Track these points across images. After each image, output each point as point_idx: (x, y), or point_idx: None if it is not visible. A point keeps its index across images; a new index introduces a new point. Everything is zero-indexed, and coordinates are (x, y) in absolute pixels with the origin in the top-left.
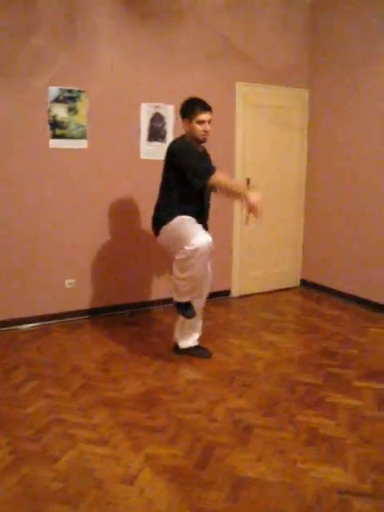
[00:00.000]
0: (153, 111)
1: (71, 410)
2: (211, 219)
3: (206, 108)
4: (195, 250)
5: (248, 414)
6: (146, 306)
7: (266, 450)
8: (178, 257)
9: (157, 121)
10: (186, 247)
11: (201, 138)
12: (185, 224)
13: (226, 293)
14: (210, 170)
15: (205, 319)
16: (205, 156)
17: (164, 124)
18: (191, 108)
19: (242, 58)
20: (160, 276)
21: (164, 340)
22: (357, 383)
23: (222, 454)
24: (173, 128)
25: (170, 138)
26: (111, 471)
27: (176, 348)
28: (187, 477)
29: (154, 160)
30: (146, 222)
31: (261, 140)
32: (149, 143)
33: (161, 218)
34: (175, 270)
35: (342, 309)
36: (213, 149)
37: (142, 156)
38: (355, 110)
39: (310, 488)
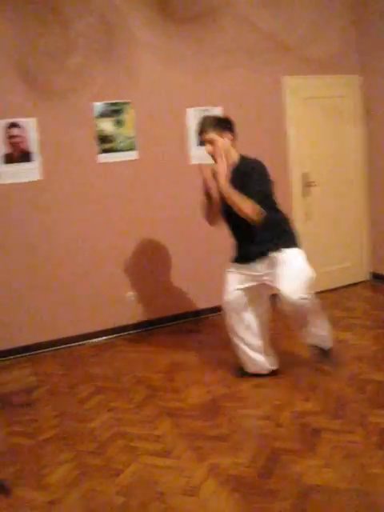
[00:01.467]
0: (200, 115)
1: (134, 423)
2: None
3: (201, 130)
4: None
5: (315, 417)
6: (206, 312)
7: (335, 455)
8: None
9: None
10: None
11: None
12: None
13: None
14: None
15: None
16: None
17: None
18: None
19: (285, 51)
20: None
21: (228, 346)
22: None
23: (287, 461)
24: None
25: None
26: (174, 483)
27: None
28: (251, 486)
29: (205, 165)
30: (201, 227)
31: (314, 133)
32: (199, 148)
33: None
34: None
35: None
36: (265, 146)
37: (193, 161)
38: None
39: (382, 494)
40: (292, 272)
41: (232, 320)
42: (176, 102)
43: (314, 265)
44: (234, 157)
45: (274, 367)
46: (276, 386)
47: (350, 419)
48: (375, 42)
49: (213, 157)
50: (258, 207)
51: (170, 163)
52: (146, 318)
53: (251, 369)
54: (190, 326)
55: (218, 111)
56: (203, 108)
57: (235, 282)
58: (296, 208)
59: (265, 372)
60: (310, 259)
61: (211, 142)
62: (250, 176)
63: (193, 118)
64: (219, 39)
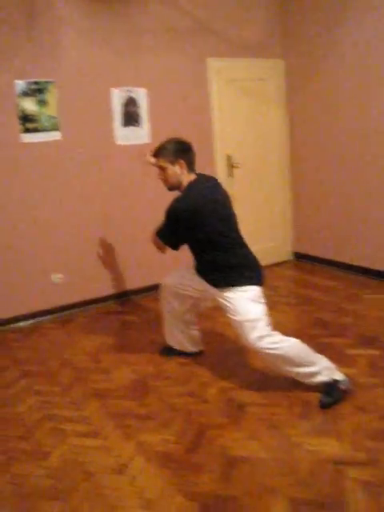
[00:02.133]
0: (125, 96)
1: (62, 405)
2: None
3: (154, 154)
4: None
5: (241, 392)
6: (131, 294)
7: (259, 427)
8: None
9: (130, 105)
10: None
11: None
12: None
13: None
14: None
15: None
16: None
17: (138, 108)
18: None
19: (210, 33)
20: (145, 263)
21: (155, 327)
22: (350, 351)
23: (214, 436)
24: (147, 112)
25: (145, 122)
26: (102, 462)
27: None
28: (179, 461)
29: (130, 145)
30: (129, 208)
31: (239, 115)
32: (124, 128)
33: None
34: None
35: (336, 278)
36: (190, 128)
37: (119, 141)
38: (332, 75)
39: (304, 461)
40: (239, 319)
41: (166, 300)
42: (101, 82)
43: None
44: (183, 184)
45: (201, 348)
46: (202, 365)
47: (274, 393)
48: (298, 27)
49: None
50: (157, 242)
51: (95, 143)
52: (72, 301)
53: (177, 346)
54: (116, 307)
55: (142, 92)
56: (128, 88)
57: (186, 275)
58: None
59: (191, 351)
60: None
61: (162, 169)
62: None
63: (118, 98)
64: (145, 19)
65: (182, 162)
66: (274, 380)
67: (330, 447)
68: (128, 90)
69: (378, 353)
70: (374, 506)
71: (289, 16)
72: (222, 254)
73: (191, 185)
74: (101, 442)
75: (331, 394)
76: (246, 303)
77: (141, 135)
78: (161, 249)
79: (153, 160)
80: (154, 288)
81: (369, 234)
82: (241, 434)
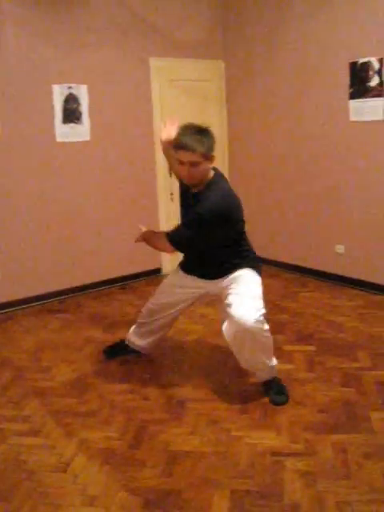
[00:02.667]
0: (66, 92)
1: (1, 404)
2: (136, 194)
3: (183, 146)
4: None
5: (181, 388)
6: (70, 292)
7: (200, 423)
8: None
9: (71, 102)
10: None
11: (184, 181)
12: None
13: (157, 271)
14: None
15: (138, 299)
16: (188, 201)
17: (78, 105)
18: (176, 140)
19: (153, 32)
20: (84, 262)
21: (94, 325)
22: (288, 347)
23: (155, 432)
24: (88, 109)
25: (85, 119)
26: (44, 461)
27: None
28: (121, 457)
29: (70, 142)
30: (68, 204)
31: (179, 115)
32: (64, 125)
33: None
34: None
35: (273, 277)
36: (131, 126)
37: (58, 139)
38: (271, 78)
39: (244, 454)
40: (247, 295)
41: (153, 310)
42: (42, 78)
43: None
44: (205, 179)
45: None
46: (141, 362)
47: (214, 389)
48: (239, 30)
49: (186, 180)
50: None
51: (35, 140)
52: (9, 299)
53: (136, 344)
54: (55, 305)
55: (84, 89)
56: (69, 85)
57: (173, 295)
58: (161, 188)
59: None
60: None
61: (194, 165)
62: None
63: (59, 95)
64: (89, 16)
65: (214, 156)
66: (214, 376)
67: (269, 440)
68: (69, 87)
69: (314, 349)
70: (311, 494)
71: (230, 19)
72: (239, 247)
73: (218, 180)
74: (42, 441)
75: (283, 391)
76: (256, 284)
77: (81, 132)
78: (167, 250)
79: (192, 157)
80: (93, 286)
81: (305, 234)
82: (182, 430)
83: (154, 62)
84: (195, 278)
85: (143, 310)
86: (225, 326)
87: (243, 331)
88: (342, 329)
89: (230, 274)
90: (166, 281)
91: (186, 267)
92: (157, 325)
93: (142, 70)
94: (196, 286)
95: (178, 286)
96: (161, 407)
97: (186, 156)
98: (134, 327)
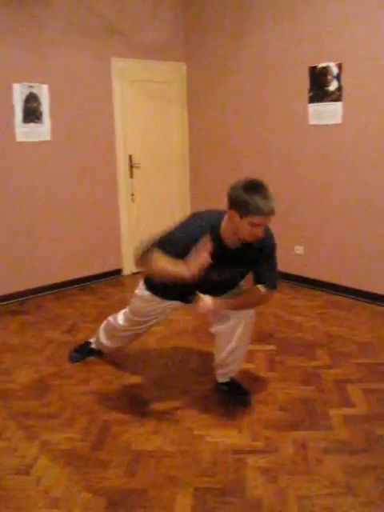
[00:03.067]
0: (26, 91)
1: None
2: (97, 194)
3: (271, 210)
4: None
5: (143, 389)
6: (30, 293)
7: (163, 423)
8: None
9: (31, 101)
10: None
11: (249, 240)
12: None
13: (118, 272)
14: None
15: (99, 299)
16: (236, 255)
17: (39, 104)
18: (249, 203)
19: (116, 32)
20: (43, 262)
21: (55, 326)
22: (249, 347)
23: (118, 432)
24: (48, 108)
25: (46, 118)
26: (6, 464)
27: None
28: (84, 458)
29: (30, 142)
30: (25, 207)
31: (141, 116)
32: (24, 125)
33: None
34: None
35: None
36: (92, 127)
37: (18, 138)
38: (231, 80)
39: (206, 452)
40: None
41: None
42: (2, 77)
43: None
44: None
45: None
46: (103, 363)
47: (176, 389)
48: (199, 33)
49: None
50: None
51: None
52: None
53: (106, 345)
54: (15, 307)
55: (45, 88)
56: (30, 84)
57: (152, 315)
58: (122, 189)
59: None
60: (135, 238)
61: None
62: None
63: (19, 93)
64: (51, 14)
65: None
66: (176, 377)
67: (231, 438)
68: (30, 86)
69: (274, 348)
70: (272, 489)
71: (192, 21)
72: None
73: None
74: (4, 443)
75: (246, 390)
76: None
77: (41, 132)
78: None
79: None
80: (53, 287)
81: None
82: (144, 430)
83: (116, 63)
84: (176, 302)
85: (118, 327)
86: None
87: (249, 321)
88: (301, 328)
89: None
90: (138, 310)
91: (168, 295)
92: (136, 335)
93: (104, 71)
94: (169, 305)
95: (154, 312)
96: (123, 408)
97: (263, 219)
98: (106, 337)
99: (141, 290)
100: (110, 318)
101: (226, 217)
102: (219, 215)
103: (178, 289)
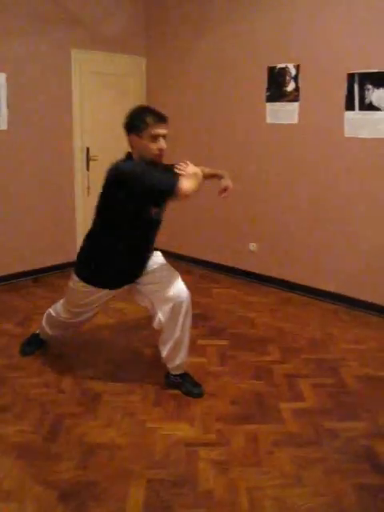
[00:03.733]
0: None
1: None
2: (52, 186)
3: (162, 118)
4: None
5: (96, 382)
6: None
7: (116, 415)
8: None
9: None
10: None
11: (154, 158)
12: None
13: (71, 264)
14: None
15: (52, 292)
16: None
17: None
18: (140, 119)
19: (77, 23)
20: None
21: (7, 318)
22: (201, 342)
23: (71, 425)
24: (6, 98)
25: (3, 108)
26: None
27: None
28: (36, 451)
29: None
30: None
31: (99, 108)
32: None
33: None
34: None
35: (188, 272)
36: (49, 118)
37: None
38: (189, 76)
39: (159, 445)
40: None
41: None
42: None
43: None
44: None
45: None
46: (56, 356)
47: (128, 382)
48: (160, 28)
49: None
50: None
51: None
52: None
53: (51, 334)
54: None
55: (2, 77)
56: None
57: (91, 305)
58: (78, 181)
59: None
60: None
61: (164, 137)
62: None
63: None
64: (10, 2)
65: None
66: (128, 370)
67: (183, 431)
68: None
69: (226, 343)
70: (223, 481)
71: (153, 16)
72: None
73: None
74: None
75: (197, 383)
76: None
77: None
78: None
79: (166, 128)
80: (5, 279)
81: (219, 231)
82: (97, 422)
83: (76, 54)
84: (106, 290)
85: (60, 318)
86: (157, 313)
87: (180, 304)
88: (253, 324)
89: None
90: (75, 302)
91: (104, 283)
92: (79, 323)
93: (64, 61)
94: (107, 293)
95: (91, 302)
96: (76, 400)
97: (162, 128)
98: (50, 327)
99: (74, 282)
100: (50, 310)
101: (131, 150)
102: (126, 155)
103: (111, 273)
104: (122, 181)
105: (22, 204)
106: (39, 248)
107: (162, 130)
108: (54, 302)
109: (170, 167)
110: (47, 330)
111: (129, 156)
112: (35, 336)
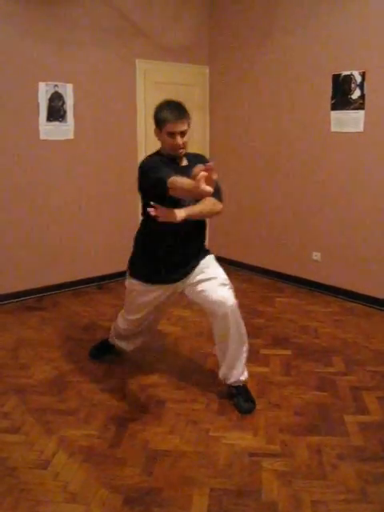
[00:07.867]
0: (51, 90)
1: None
2: (117, 194)
3: (178, 116)
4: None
5: (160, 388)
6: (49, 290)
7: (179, 423)
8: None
9: (55, 100)
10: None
11: (172, 152)
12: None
13: None
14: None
15: (115, 298)
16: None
17: (63, 103)
18: (160, 114)
19: (141, 34)
20: (62, 260)
21: (72, 323)
22: (264, 351)
23: (135, 431)
24: (72, 108)
25: (70, 117)
26: (24, 458)
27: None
28: (102, 456)
29: (54, 140)
30: (56, 203)
31: None
32: (48, 123)
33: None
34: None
35: (250, 281)
36: (114, 128)
37: (42, 136)
38: (253, 85)
39: (222, 454)
40: (220, 280)
41: (136, 327)
42: (28, 75)
43: None
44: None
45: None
46: (121, 362)
47: (192, 390)
48: (223, 38)
49: (179, 150)
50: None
51: (19, 138)
52: None
53: (122, 347)
54: (33, 303)
55: (69, 87)
56: (55, 83)
57: (147, 306)
58: None
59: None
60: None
61: (184, 134)
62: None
63: (44, 92)
64: (78, 14)
65: None
66: (192, 378)
67: (246, 441)
68: (55, 85)
69: (290, 353)
70: (287, 493)
71: (217, 26)
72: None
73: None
74: (22, 438)
75: (251, 398)
76: (218, 265)
77: (65, 131)
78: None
79: (183, 125)
80: (70, 285)
81: (282, 240)
82: (161, 429)
83: (141, 64)
84: (161, 285)
85: (120, 329)
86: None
87: (224, 313)
88: (317, 334)
89: (198, 264)
90: (131, 306)
91: (152, 275)
92: (143, 328)
93: (128, 72)
94: (159, 294)
95: (144, 304)
96: (140, 406)
97: (178, 125)
98: (116, 337)
99: (127, 280)
100: (116, 321)
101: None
102: (154, 153)
103: (149, 264)
104: (138, 175)
105: (86, 212)
106: (102, 255)
107: (178, 128)
108: (117, 308)
109: (198, 157)
110: (115, 340)
111: (158, 151)
112: (104, 341)
